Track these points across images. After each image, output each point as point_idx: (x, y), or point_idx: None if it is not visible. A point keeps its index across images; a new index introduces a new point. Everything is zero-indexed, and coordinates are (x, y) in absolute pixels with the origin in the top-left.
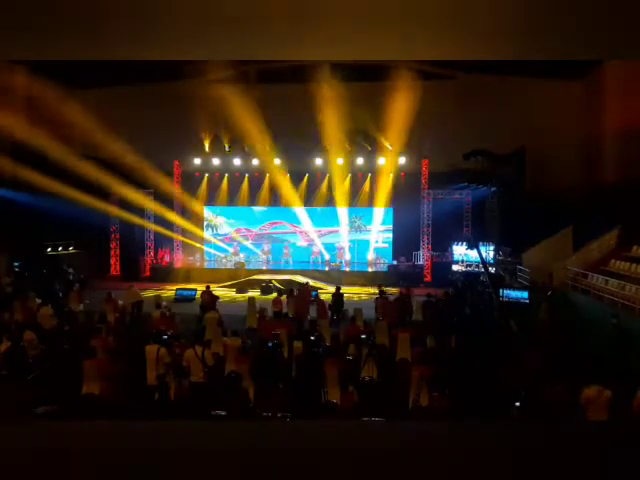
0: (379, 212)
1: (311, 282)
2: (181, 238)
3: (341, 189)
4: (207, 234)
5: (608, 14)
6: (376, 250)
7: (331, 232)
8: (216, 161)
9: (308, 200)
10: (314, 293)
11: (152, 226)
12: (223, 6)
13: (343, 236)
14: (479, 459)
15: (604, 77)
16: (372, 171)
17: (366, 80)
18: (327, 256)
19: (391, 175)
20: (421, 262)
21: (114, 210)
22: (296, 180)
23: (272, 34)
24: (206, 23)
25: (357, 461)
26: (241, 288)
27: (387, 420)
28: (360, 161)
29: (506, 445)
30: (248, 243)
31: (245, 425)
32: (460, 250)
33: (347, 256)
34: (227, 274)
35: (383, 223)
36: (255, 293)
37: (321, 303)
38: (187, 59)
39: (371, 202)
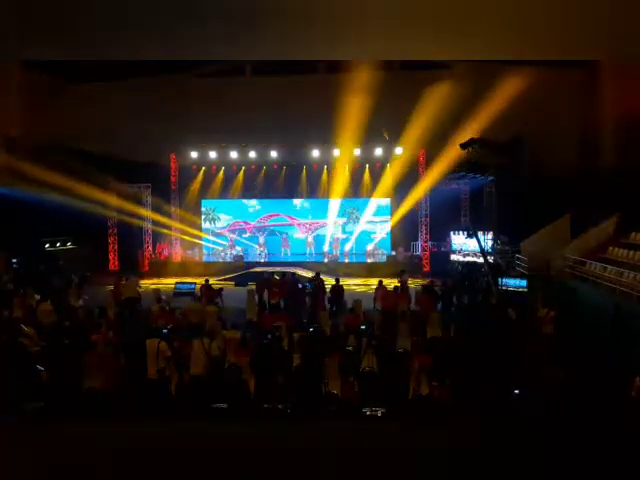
0: (377, 203)
1: (303, 273)
2: (179, 230)
3: (340, 181)
4: (205, 227)
5: (608, 14)
6: (374, 241)
7: (330, 224)
8: (213, 154)
9: (306, 192)
10: (309, 285)
11: (150, 218)
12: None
13: (340, 227)
14: (479, 459)
15: (603, 64)
16: (370, 162)
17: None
18: (325, 247)
19: (389, 165)
20: (419, 252)
21: (112, 205)
22: (294, 172)
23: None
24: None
25: (357, 461)
26: (240, 281)
27: (387, 420)
28: (357, 152)
29: (506, 444)
30: (246, 236)
31: (245, 425)
32: (458, 240)
33: (346, 247)
34: (226, 267)
35: (381, 214)
36: (254, 286)
37: (317, 295)
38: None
39: (369, 193)
